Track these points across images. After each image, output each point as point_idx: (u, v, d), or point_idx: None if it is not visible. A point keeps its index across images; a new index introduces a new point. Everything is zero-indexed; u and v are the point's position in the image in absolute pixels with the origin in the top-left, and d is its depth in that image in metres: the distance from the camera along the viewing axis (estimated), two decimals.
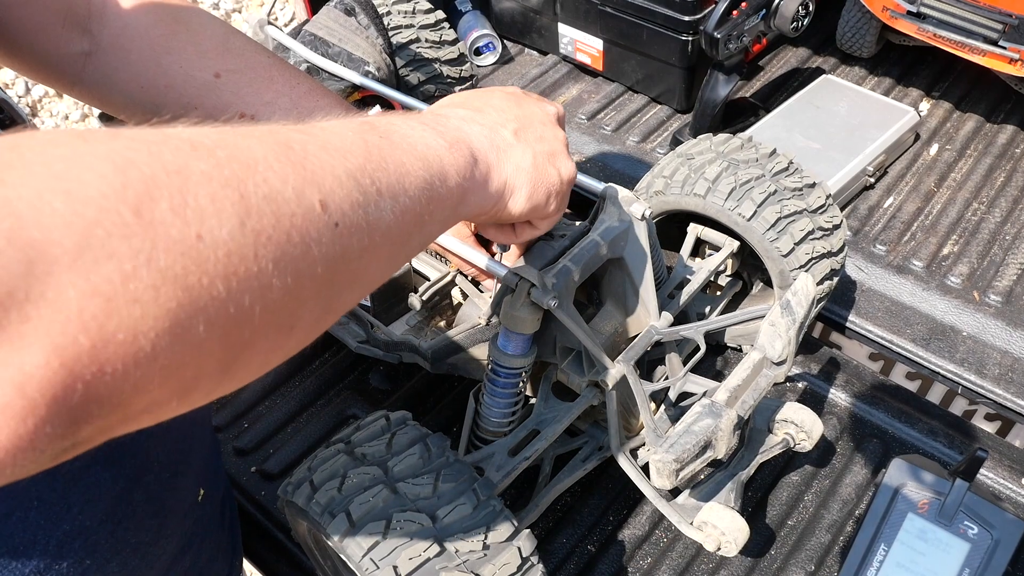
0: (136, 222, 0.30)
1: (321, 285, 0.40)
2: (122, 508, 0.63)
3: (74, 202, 0.29)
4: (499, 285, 0.80)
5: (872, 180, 1.36)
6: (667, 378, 0.96)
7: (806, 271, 0.97)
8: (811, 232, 0.97)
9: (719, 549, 0.83)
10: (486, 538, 0.72)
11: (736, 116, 1.46)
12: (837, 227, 1.01)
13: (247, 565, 1.01)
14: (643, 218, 0.79)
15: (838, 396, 1.16)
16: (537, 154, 0.62)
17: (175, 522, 0.71)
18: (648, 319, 0.86)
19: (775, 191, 0.96)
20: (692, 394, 0.92)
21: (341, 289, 0.43)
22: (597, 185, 0.82)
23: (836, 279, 1.05)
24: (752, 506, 1.02)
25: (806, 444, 0.90)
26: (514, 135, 0.61)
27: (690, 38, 1.40)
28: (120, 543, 0.63)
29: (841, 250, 1.02)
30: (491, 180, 0.58)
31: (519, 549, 0.73)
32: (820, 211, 0.99)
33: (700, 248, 1.08)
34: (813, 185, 1.00)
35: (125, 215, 0.30)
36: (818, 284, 1.00)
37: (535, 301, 0.74)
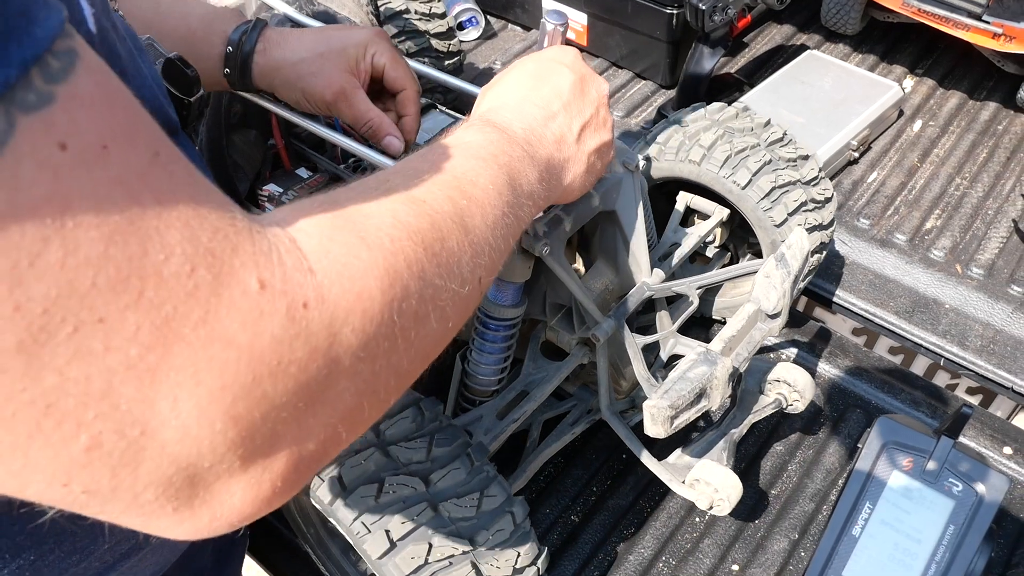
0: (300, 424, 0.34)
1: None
2: None
3: (232, 416, 0.30)
4: None
5: (856, 155, 1.36)
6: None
7: None
8: (804, 204, 0.96)
9: (712, 507, 0.82)
10: (480, 504, 0.72)
11: (720, 91, 1.46)
12: (828, 200, 1.00)
13: None
14: (637, 168, 0.78)
15: (822, 367, 1.16)
16: (591, 155, 0.65)
17: None
18: (640, 276, 0.85)
19: (770, 161, 0.96)
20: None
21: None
22: None
23: (824, 253, 1.05)
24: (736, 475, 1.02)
25: (799, 404, 0.90)
26: (577, 141, 0.63)
27: (675, 11, 1.39)
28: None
29: (831, 224, 1.02)
30: (551, 194, 0.61)
31: (512, 515, 0.72)
32: (813, 183, 0.99)
33: (689, 218, 1.07)
34: (807, 157, 0.99)
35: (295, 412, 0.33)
36: None
37: (526, 248, 0.73)
